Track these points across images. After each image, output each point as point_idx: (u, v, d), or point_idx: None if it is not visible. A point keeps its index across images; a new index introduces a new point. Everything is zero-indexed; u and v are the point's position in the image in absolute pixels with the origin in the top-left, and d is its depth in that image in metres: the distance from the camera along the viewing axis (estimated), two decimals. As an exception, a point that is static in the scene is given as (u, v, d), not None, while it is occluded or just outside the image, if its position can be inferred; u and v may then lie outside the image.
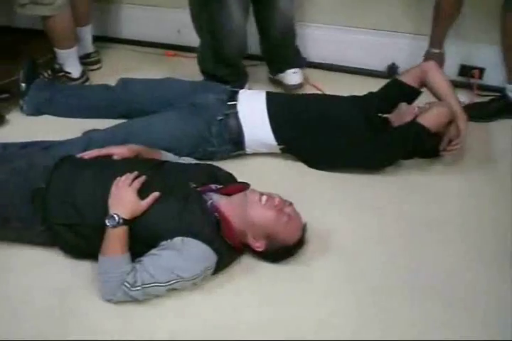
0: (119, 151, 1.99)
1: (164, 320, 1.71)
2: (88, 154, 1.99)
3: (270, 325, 1.70)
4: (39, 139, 2.30)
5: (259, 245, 1.81)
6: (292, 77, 2.85)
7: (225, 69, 2.71)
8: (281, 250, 1.84)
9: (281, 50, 2.86)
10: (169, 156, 2.13)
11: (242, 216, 1.79)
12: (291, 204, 1.83)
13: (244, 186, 1.95)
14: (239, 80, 2.74)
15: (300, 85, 2.86)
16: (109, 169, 1.89)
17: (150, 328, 1.68)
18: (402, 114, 2.30)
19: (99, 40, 3.26)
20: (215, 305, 1.76)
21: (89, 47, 3.07)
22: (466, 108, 2.39)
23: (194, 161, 2.17)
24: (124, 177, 1.81)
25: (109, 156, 1.98)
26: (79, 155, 2.00)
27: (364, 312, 1.75)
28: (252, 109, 2.32)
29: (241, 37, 2.64)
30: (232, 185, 1.97)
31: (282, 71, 2.87)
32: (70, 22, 2.77)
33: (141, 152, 2.04)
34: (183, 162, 2.12)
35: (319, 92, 2.79)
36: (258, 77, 2.97)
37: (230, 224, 1.79)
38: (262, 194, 1.81)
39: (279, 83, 2.91)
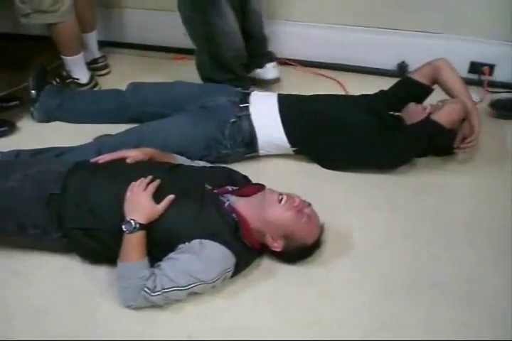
0: (132, 154, 1.97)
1: (184, 325, 1.70)
2: (102, 158, 1.98)
3: (287, 328, 1.70)
4: (50, 146, 2.30)
5: (278, 245, 1.80)
6: (272, 71, 2.86)
7: (224, 75, 2.70)
8: (299, 250, 1.83)
9: (261, 47, 2.88)
10: (182, 160, 2.12)
11: (260, 216, 1.78)
12: (309, 204, 1.83)
13: (260, 187, 1.94)
14: (240, 86, 2.65)
15: (278, 79, 2.88)
16: (124, 173, 1.88)
17: (170, 333, 1.67)
18: (410, 113, 2.30)
19: (109, 45, 3.26)
20: (234, 309, 1.75)
21: (96, 52, 3.07)
22: (492, 106, 2.39)
23: (208, 165, 2.16)
24: (138, 182, 1.80)
25: (122, 160, 1.96)
26: (92, 160, 1.99)
27: (377, 314, 1.74)
28: (264, 111, 2.31)
29: (237, 38, 2.64)
30: (248, 187, 1.96)
31: (261, 66, 2.86)
32: (75, 28, 2.77)
33: (154, 155, 2.03)
34: (197, 165, 2.11)
35: (330, 92, 2.77)
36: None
37: (248, 224, 1.78)
38: (280, 194, 1.80)
39: (257, 82, 2.90)
